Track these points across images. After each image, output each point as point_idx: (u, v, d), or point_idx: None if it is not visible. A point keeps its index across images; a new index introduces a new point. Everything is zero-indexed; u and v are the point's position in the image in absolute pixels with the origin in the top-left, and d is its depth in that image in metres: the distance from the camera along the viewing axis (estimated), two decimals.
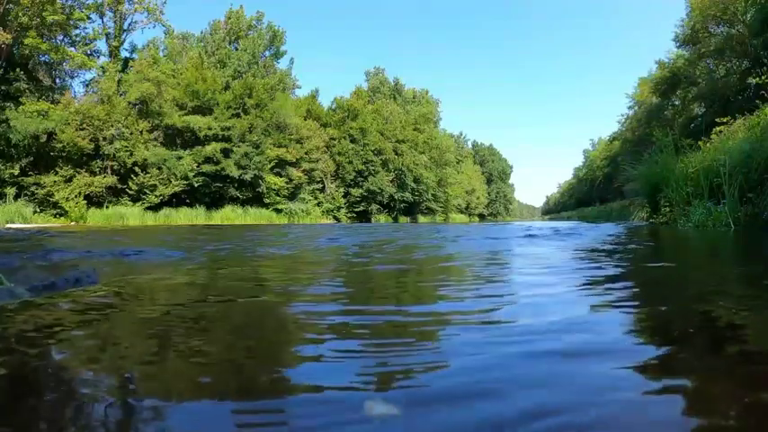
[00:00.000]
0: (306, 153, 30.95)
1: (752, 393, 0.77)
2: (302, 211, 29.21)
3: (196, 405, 0.74)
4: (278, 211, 28.14)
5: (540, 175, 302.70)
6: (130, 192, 23.04)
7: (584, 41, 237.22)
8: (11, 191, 19.56)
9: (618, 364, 0.90)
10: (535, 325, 1.20)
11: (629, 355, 0.96)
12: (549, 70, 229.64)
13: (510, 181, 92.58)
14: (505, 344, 1.03)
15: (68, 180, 21.33)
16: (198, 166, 24.91)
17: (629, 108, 41.81)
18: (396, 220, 38.75)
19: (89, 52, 24.96)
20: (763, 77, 14.34)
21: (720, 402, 0.75)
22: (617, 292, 1.72)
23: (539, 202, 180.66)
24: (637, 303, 1.54)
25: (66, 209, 20.47)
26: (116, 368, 0.91)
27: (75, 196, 20.94)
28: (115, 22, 26.41)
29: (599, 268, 2.51)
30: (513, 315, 1.34)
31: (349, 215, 35.34)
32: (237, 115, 27.57)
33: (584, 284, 1.90)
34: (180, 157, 24.50)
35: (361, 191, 36.33)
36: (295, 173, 29.75)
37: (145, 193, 23.21)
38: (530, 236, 5.67)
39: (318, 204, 32.48)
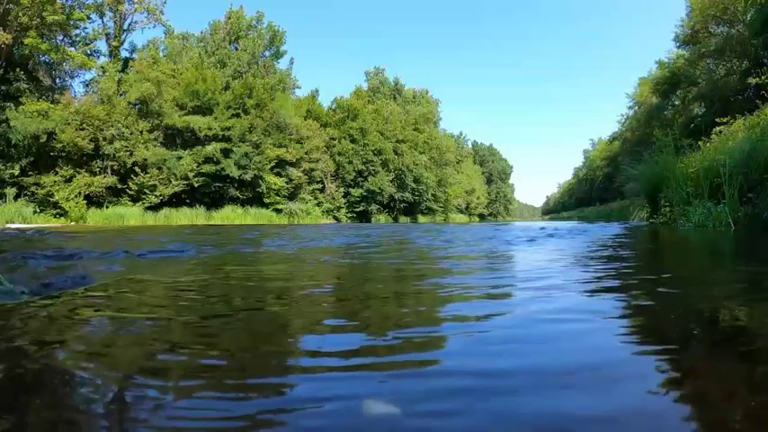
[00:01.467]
0: (306, 153, 30.93)
1: (754, 394, 0.76)
2: (302, 211, 29.20)
3: (196, 405, 0.74)
4: (278, 211, 28.11)
5: (540, 175, 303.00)
6: (130, 192, 23.04)
7: (584, 41, 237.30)
8: (11, 191, 19.57)
9: (619, 365, 0.90)
10: (532, 325, 1.20)
11: (630, 356, 0.96)
12: (549, 70, 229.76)
13: (510, 181, 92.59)
14: (498, 347, 1.03)
15: (68, 180, 21.33)
16: (198, 166, 24.91)
17: (630, 108, 41.81)
18: (396, 220, 38.75)
19: (89, 52, 24.96)
20: (763, 77, 14.33)
21: (723, 403, 0.75)
22: (617, 294, 1.72)
23: (539, 202, 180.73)
24: (637, 305, 1.54)
25: (66, 209, 20.47)
26: (115, 368, 0.91)
27: (75, 196, 20.95)
28: (115, 22, 26.42)
29: (599, 270, 2.50)
30: (506, 310, 1.34)
31: (349, 215, 35.32)
32: (237, 115, 27.57)
33: (583, 285, 1.89)
34: (180, 157, 24.50)
35: (361, 191, 36.30)
36: (295, 173, 29.73)
37: (145, 193, 23.21)
38: (529, 239, 5.67)
39: (318, 204, 32.47)
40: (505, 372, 0.83)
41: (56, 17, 21.28)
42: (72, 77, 25.14)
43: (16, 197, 19.76)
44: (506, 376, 0.81)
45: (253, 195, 27.44)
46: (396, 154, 40.09)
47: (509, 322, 1.22)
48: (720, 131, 11.13)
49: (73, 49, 23.94)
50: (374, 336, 1.12)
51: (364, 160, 36.45)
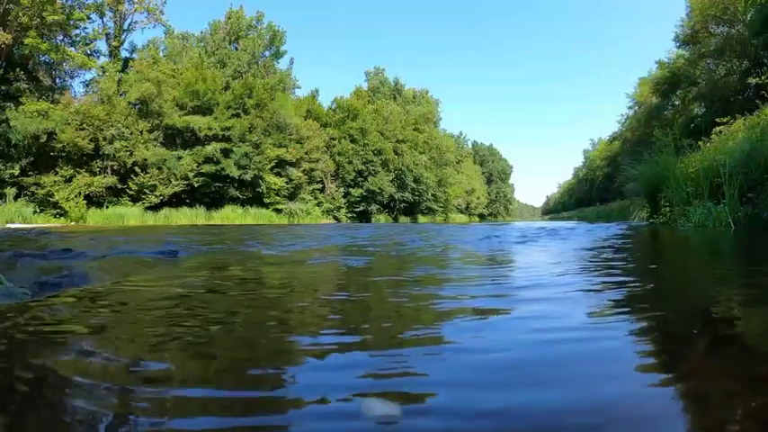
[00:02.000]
0: (306, 153, 30.93)
1: (754, 395, 0.76)
2: (302, 211, 29.19)
3: (196, 406, 0.74)
4: (278, 211, 28.10)
5: (540, 175, 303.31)
6: (130, 192, 23.04)
7: (584, 41, 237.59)
8: (11, 191, 19.57)
9: (619, 365, 0.89)
10: (532, 326, 1.19)
11: (631, 357, 0.96)
12: (549, 70, 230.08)
13: (510, 181, 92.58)
14: (503, 337, 1.03)
15: (68, 180, 21.33)
16: (198, 166, 24.91)
17: (630, 108, 41.78)
18: (396, 220, 38.74)
19: (89, 52, 24.96)
20: (763, 77, 14.33)
21: (722, 404, 0.75)
22: (617, 294, 1.72)
23: (539, 202, 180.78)
24: (638, 305, 1.54)
25: (66, 209, 20.47)
26: (113, 368, 0.91)
27: (75, 196, 20.94)
28: (115, 22, 26.42)
29: (599, 270, 2.50)
30: (508, 303, 1.34)
31: (349, 215, 35.31)
32: (237, 115, 27.56)
33: (583, 285, 1.89)
34: (180, 157, 24.49)
35: (361, 191, 36.30)
36: (295, 173, 29.73)
37: (145, 193, 23.21)
38: (530, 241, 5.67)
39: (318, 204, 32.46)
40: (504, 411, 0.68)
41: (56, 17, 21.27)
42: (72, 77, 25.18)
43: (16, 197, 19.76)
44: (505, 417, 0.67)
45: (253, 195, 27.43)
46: (396, 154, 40.09)
47: (510, 342, 1.04)
48: (720, 131, 11.14)
49: (73, 49, 23.94)
50: (347, 358, 0.96)
51: (364, 160, 36.45)
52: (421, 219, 42.15)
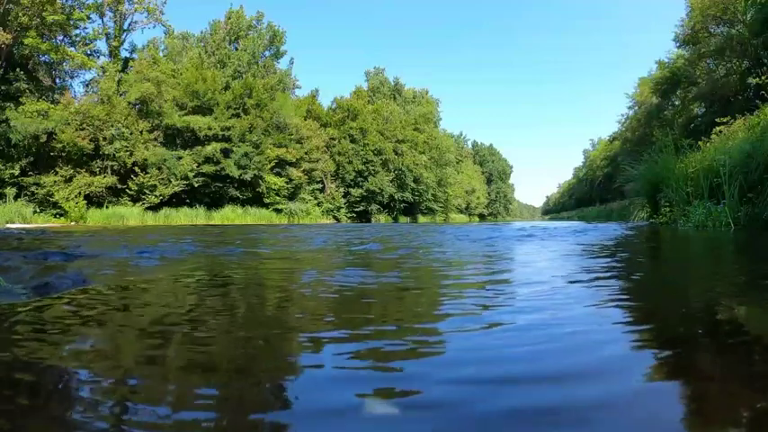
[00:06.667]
0: (306, 153, 30.93)
1: (754, 395, 0.76)
2: (302, 211, 29.19)
3: (195, 406, 0.73)
4: (278, 211, 28.11)
5: (540, 175, 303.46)
6: (130, 192, 23.02)
7: (584, 41, 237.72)
8: (11, 191, 19.55)
9: (620, 366, 0.89)
10: (532, 327, 1.19)
11: (631, 356, 0.96)
12: (550, 70, 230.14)
13: (510, 181, 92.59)
14: (499, 332, 1.02)
15: (68, 180, 21.31)
16: (198, 166, 24.89)
17: (629, 108, 41.80)
18: (396, 220, 38.73)
19: (89, 52, 24.93)
20: (763, 77, 14.33)
21: (723, 404, 0.74)
22: (618, 294, 1.72)
23: (539, 202, 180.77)
24: (638, 305, 1.54)
25: (66, 209, 20.46)
26: (113, 369, 0.91)
27: (75, 196, 20.92)
28: (115, 22, 26.40)
29: (599, 270, 2.50)
30: (510, 302, 1.34)
31: (349, 215, 35.32)
32: (237, 115, 27.56)
33: (583, 286, 1.89)
34: (180, 157, 24.48)
35: (361, 191, 36.31)
36: (295, 173, 29.73)
37: (145, 194, 23.19)
38: (529, 236, 5.67)
39: (318, 204, 32.46)
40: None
41: (56, 17, 21.25)
42: (72, 77, 25.13)
43: (16, 197, 19.74)
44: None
45: (253, 195, 27.43)
46: (396, 154, 40.10)
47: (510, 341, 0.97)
48: (720, 131, 11.13)
49: (73, 49, 23.91)
50: (349, 358, 0.93)
51: (364, 160, 36.46)
52: (421, 219, 42.15)
